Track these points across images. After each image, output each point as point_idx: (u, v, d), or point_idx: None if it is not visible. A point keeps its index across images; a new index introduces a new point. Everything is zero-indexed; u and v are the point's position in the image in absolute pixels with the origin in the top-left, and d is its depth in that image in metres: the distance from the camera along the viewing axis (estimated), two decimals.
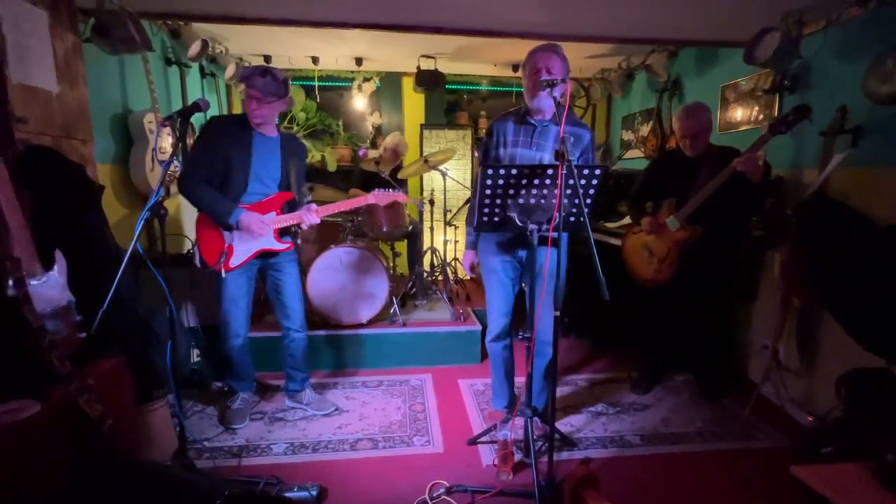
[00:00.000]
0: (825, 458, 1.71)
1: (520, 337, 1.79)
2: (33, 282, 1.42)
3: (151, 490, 1.28)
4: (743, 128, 2.90)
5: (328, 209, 2.15)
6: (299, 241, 3.25)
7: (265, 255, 2.16)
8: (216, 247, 2.08)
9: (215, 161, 2.00)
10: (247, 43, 3.54)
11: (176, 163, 2.75)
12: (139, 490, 1.28)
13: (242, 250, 2.10)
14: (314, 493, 1.70)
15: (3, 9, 1.65)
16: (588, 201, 1.72)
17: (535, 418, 1.86)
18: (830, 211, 2.04)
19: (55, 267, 1.52)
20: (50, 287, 1.48)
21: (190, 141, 3.21)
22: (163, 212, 1.60)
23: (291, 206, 2.17)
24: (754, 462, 2.01)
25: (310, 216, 2.09)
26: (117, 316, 1.72)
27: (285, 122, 4.40)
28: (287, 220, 2.11)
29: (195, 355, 2.51)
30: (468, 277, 3.83)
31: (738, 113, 2.93)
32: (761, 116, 2.76)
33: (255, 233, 2.05)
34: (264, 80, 1.96)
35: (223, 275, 2.07)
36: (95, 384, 1.46)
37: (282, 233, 2.16)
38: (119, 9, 2.23)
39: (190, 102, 2.44)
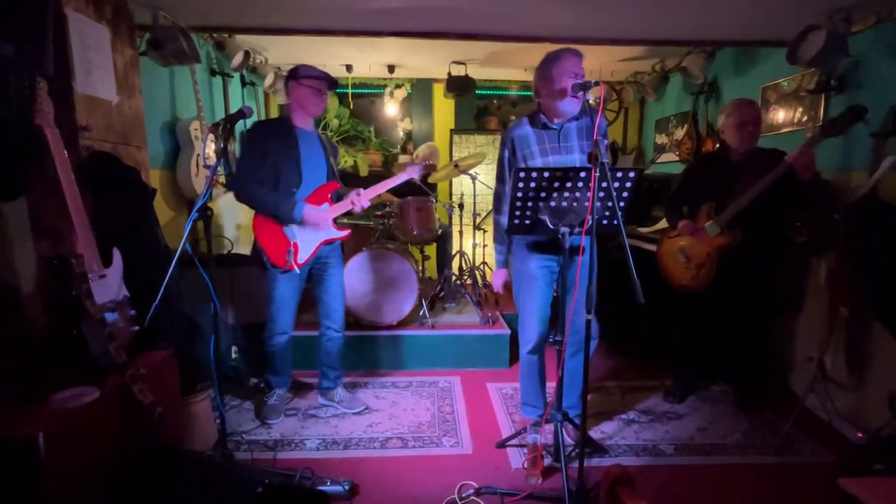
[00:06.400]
0: (876, 476, 1.62)
1: (550, 340, 1.79)
2: (94, 277, 1.53)
3: (198, 475, 1.36)
4: (785, 130, 2.80)
5: (374, 190, 2.21)
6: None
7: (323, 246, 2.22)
8: (282, 247, 2.12)
9: (266, 162, 2.08)
10: (284, 52, 3.69)
11: (219, 168, 2.89)
12: (187, 474, 1.36)
13: (307, 245, 2.16)
14: (346, 487, 1.74)
15: (72, 26, 1.80)
16: (622, 204, 1.71)
17: (566, 423, 1.84)
18: (882, 215, 1.94)
19: (113, 263, 1.64)
20: (108, 282, 1.59)
21: (232, 146, 3.36)
22: (209, 213, 1.69)
23: (338, 196, 2.26)
24: (797, 477, 1.92)
25: (360, 200, 2.16)
26: (166, 311, 1.83)
27: (319, 128, 4.54)
28: (341, 207, 2.19)
29: (234, 352, 2.61)
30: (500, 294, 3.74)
31: (780, 115, 2.83)
32: (805, 118, 2.65)
33: (320, 224, 2.13)
34: (325, 73, 2.08)
35: (296, 270, 2.13)
36: (146, 374, 1.55)
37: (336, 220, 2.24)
38: (172, 24, 2.38)
39: (231, 110, 2.57)
